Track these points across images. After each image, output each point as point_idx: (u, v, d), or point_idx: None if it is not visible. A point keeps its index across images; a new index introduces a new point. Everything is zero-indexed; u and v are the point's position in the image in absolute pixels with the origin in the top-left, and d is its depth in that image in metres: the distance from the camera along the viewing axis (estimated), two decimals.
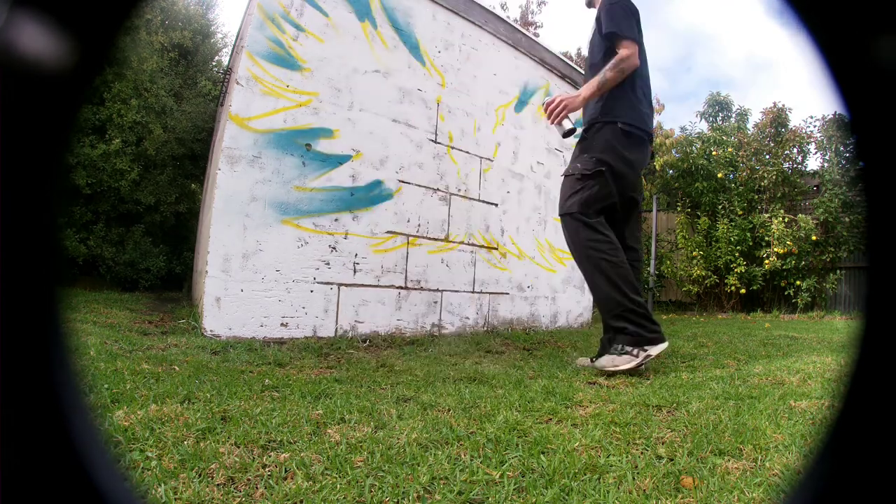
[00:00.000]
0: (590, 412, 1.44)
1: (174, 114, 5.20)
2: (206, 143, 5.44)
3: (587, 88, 2.33)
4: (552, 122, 2.34)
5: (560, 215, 2.42)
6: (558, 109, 2.30)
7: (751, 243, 7.81)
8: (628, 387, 1.87)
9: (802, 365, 2.35)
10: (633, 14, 2.36)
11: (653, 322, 2.20)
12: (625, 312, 2.18)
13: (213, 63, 6.23)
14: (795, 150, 8.07)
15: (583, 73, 5.18)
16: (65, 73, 0.20)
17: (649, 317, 2.20)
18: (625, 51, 2.28)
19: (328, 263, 2.87)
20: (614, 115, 2.32)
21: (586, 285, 4.75)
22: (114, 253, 4.89)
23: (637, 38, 2.33)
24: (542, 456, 1.05)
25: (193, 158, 5.52)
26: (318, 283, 2.82)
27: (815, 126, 7.93)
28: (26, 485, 0.20)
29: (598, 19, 2.45)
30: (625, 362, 2.11)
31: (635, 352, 2.13)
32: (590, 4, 2.60)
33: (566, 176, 2.43)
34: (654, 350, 2.14)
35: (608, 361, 2.14)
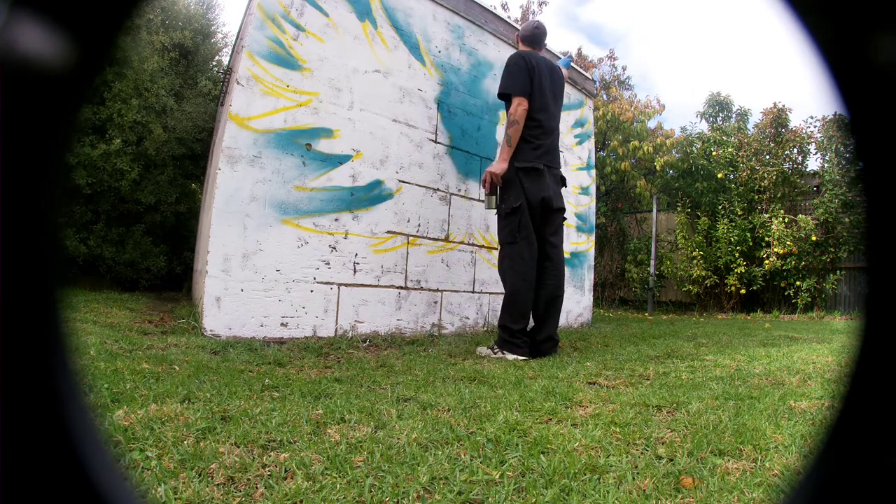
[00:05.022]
0: (590, 412, 1.44)
1: (174, 114, 5.19)
2: (206, 143, 5.43)
3: (501, 152, 2.73)
4: (489, 193, 2.79)
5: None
6: (490, 180, 2.72)
7: (751, 243, 7.81)
8: (628, 387, 1.87)
9: (802, 365, 2.35)
10: (523, 69, 2.72)
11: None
12: None
13: (214, 63, 6.22)
14: (795, 151, 8.07)
15: (584, 72, 5.19)
16: (65, 73, 0.20)
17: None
18: (512, 107, 2.71)
19: (328, 263, 2.87)
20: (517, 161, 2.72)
21: (586, 285, 4.78)
22: (114, 253, 4.89)
23: (524, 91, 2.70)
24: (542, 456, 1.05)
25: (194, 158, 5.51)
26: (318, 282, 2.82)
27: (815, 126, 7.94)
28: (26, 485, 0.20)
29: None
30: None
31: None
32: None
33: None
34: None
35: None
